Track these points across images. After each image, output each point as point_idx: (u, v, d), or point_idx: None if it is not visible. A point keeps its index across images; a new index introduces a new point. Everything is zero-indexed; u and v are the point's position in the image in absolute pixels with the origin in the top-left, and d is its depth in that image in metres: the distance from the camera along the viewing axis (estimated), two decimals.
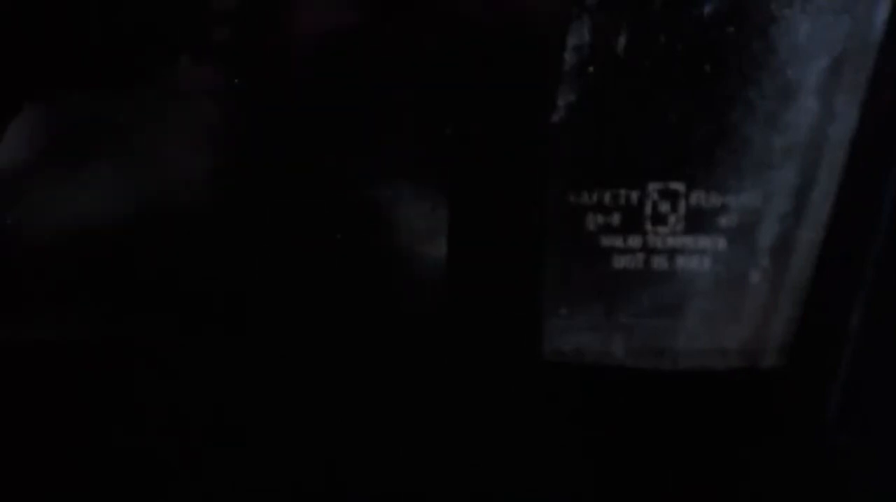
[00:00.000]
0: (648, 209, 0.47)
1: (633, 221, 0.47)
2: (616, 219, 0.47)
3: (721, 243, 0.47)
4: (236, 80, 0.48)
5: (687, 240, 0.47)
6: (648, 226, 0.47)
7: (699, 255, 0.47)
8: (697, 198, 0.47)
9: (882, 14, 0.46)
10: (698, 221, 0.47)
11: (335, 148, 0.48)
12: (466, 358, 0.49)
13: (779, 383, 0.48)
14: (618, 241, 0.47)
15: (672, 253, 0.47)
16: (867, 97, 0.46)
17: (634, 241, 0.47)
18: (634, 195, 0.47)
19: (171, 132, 0.49)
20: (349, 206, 0.48)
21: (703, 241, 0.47)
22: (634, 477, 0.50)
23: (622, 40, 0.46)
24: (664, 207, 0.47)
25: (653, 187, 0.47)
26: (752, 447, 0.49)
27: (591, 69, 0.46)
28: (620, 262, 0.47)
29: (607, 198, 0.47)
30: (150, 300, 0.49)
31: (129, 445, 0.50)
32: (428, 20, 0.47)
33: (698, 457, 0.50)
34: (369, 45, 0.47)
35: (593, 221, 0.47)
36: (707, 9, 0.46)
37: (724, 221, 0.47)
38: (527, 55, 0.47)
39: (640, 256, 0.47)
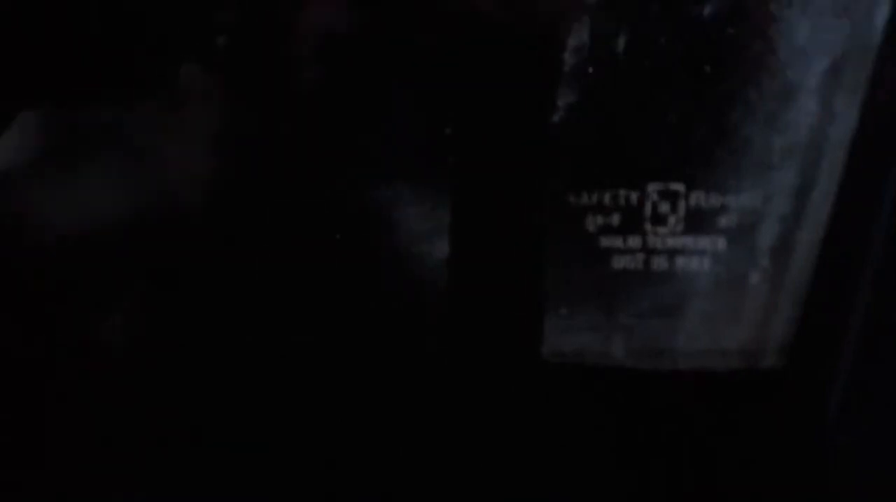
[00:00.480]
0: (648, 209, 0.47)
1: (632, 222, 0.47)
2: (616, 219, 0.47)
3: (721, 243, 0.47)
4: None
5: (687, 241, 0.47)
6: (648, 227, 0.47)
7: (699, 256, 0.47)
8: (697, 198, 0.47)
9: (882, 16, 0.46)
10: (698, 222, 0.47)
11: (335, 148, 0.48)
12: (466, 358, 0.49)
13: (779, 383, 0.48)
14: (617, 242, 0.47)
15: (672, 253, 0.47)
16: (867, 98, 0.46)
17: (634, 242, 0.47)
18: (634, 195, 0.47)
19: (170, 133, 0.49)
20: (349, 207, 0.48)
21: (703, 242, 0.47)
22: (634, 477, 0.50)
23: (622, 40, 0.46)
24: (664, 208, 0.47)
25: (652, 188, 0.47)
26: (752, 447, 0.49)
27: (590, 69, 0.46)
28: (620, 263, 0.47)
29: (607, 198, 0.47)
30: (150, 301, 0.49)
31: (127, 445, 0.50)
32: (428, 20, 0.47)
33: (699, 457, 0.50)
34: (369, 45, 0.47)
35: (593, 222, 0.47)
36: (707, 9, 0.46)
37: (723, 222, 0.47)
38: (527, 55, 0.47)
39: (640, 257, 0.47)
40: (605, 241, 0.47)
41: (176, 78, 0.47)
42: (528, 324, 0.48)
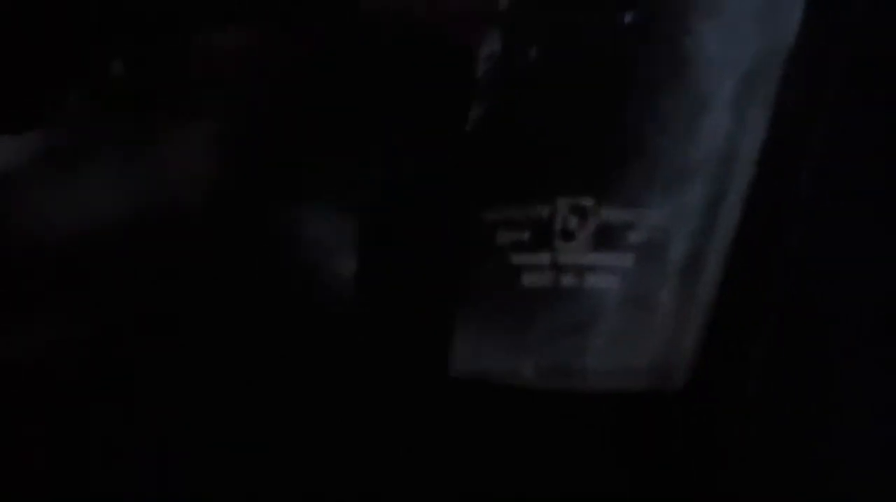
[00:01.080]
0: (558, 225, 0.46)
1: (542, 237, 0.46)
2: (526, 235, 0.46)
3: (631, 260, 0.46)
4: None
5: (596, 257, 0.46)
6: (558, 243, 0.46)
7: (608, 273, 0.46)
8: (607, 213, 0.46)
9: (793, 27, 0.45)
10: (608, 238, 0.46)
11: (245, 166, 0.48)
12: (375, 375, 0.48)
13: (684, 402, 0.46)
14: (527, 258, 0.46)
15: (582, 270, 0.46)
16: (776, 111, 0.45)
17: (544, 258, 0.46)
18: (544, 210, 0.46)
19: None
20: (258, 225, 0.48)
21: (613, 258, 0.46)
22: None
23: (534, 51, 0.46)
24: (573, 223, 0.46)
25: (563, 202, 0.46)
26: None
27: (502, 81, 0.46)
28: (530, 280, 0.46)
29: (518, 213, 0.46)
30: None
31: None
32: (340, 36, 0.47)
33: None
34: (279, 60, 0.47)
35: (503, 237, 0.46)
36: (620, 21, 0.45)
37: (634, 237, 0.46)
38: (438, 67, 0.46)
39: (550, 274, 0.46)
40: (516, 258, 0.46)
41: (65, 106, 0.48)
42: (437, 342, 0.47)
